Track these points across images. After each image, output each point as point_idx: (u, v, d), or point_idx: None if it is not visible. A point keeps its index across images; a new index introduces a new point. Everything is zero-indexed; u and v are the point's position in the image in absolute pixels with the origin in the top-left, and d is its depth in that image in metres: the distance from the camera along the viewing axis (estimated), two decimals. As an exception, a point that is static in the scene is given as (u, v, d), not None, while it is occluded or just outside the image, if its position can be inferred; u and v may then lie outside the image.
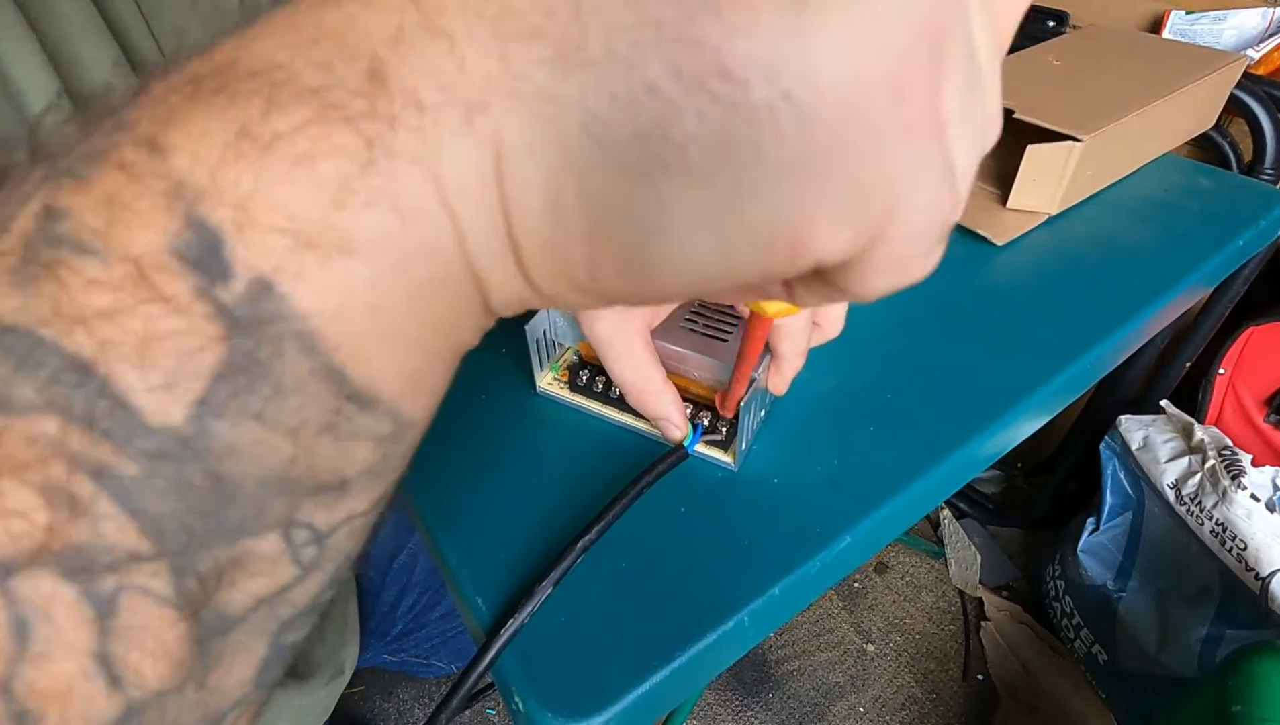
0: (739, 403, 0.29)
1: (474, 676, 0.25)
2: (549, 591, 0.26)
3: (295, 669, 0.48)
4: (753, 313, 0.23)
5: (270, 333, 0.09)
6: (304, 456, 0.10)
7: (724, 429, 0.31)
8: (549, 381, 0.35)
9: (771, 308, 0.20)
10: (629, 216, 0.09)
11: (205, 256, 0.08)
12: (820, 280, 0.12)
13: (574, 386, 0.34)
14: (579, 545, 0.27)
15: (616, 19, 0.08)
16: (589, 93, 0.09)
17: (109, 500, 0.08)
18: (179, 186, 0.08)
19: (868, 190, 0.09)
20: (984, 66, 0.10)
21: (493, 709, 0.95)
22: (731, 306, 0.32)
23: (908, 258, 0.11)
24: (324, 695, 0.56)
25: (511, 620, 0.26)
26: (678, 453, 0.30)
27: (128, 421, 0.08)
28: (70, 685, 0.08)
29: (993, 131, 0.12)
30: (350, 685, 0.61)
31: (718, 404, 0.30)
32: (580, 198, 0.09)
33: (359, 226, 0.09)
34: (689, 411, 0.31)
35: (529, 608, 0.26)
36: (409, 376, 0.10)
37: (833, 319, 0.30)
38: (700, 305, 0.32)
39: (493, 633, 0.26)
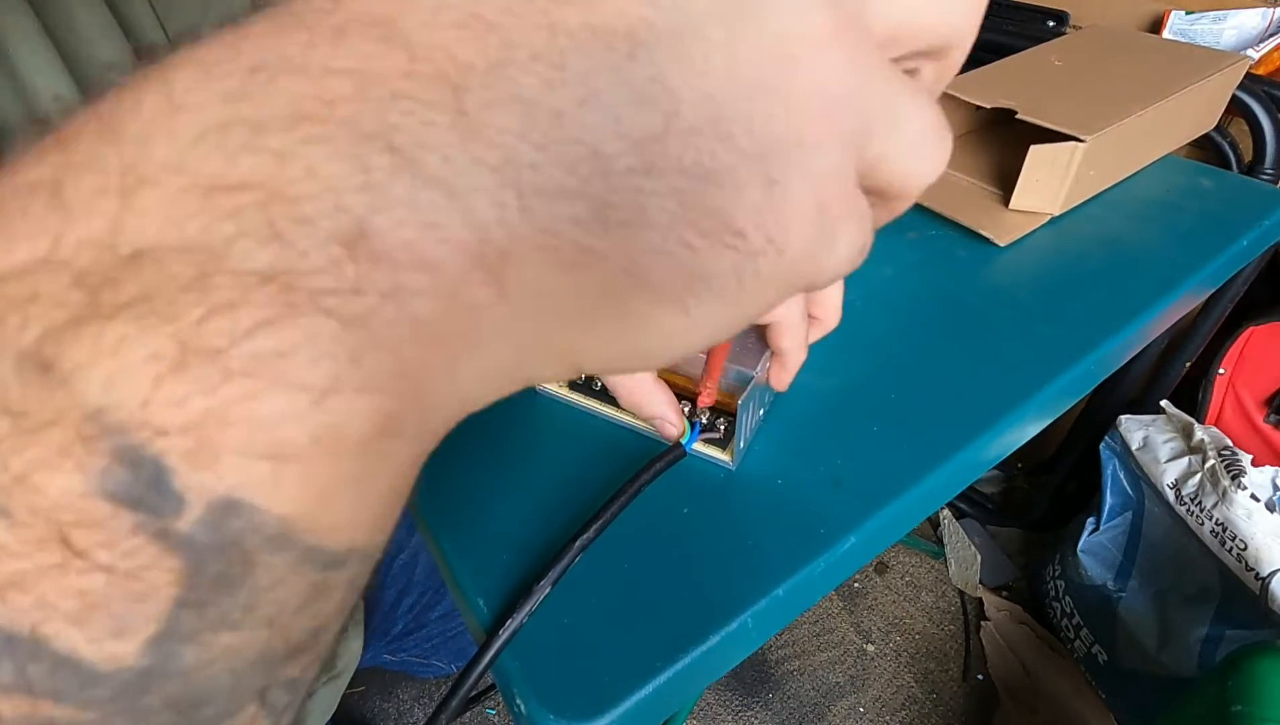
0: (714, 393, 0.29)
1: (473, 677, 0.25)
2: (546, 591, 0.26)
3: None
4: None
5: (241, 547, 0.08)
6: (281, 634, 0.09)
7: (722, 427, 0.31)
8: None
9: None
10: (648, 328, 0.11)
11: (149, 492, 0.07)
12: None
13: (573, 384, 0.34)
14: (577, 544, 0.27)
15: (644, 189, 0.09)
16: (628, 246, 0.10)
17: None
18: (96, 418, 0.07)
19: (807, 272, 0.12)
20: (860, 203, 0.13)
21: (493, 709, 0.94)
22: None
23: (805, 320, 0.15)
24: (326, 693, 0.56)
25: (510, 620, 0.25)
26: (675, 451, 0.30)
27: (75, 676, 0.07)
28: None
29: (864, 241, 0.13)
30: (350, 685, 0.61)
31: (699, 395, 0.30)
32: (611, 317, 0.10)
33: (349, 420, 0.08)
34: (686, 410, 0.31)
35: (527, 607, 0.26)
36: (383, 519, 0.10)
37: (829, 310, 0.30)
38: None
39: (491, 633, 0.26)
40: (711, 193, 0.10)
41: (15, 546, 0.07)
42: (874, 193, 0.13)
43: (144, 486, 0.07)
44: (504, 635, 0.25)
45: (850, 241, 0.12)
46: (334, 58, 0.08)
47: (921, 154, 0.13)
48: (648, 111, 0.09)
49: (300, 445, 0.08)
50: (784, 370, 0.30)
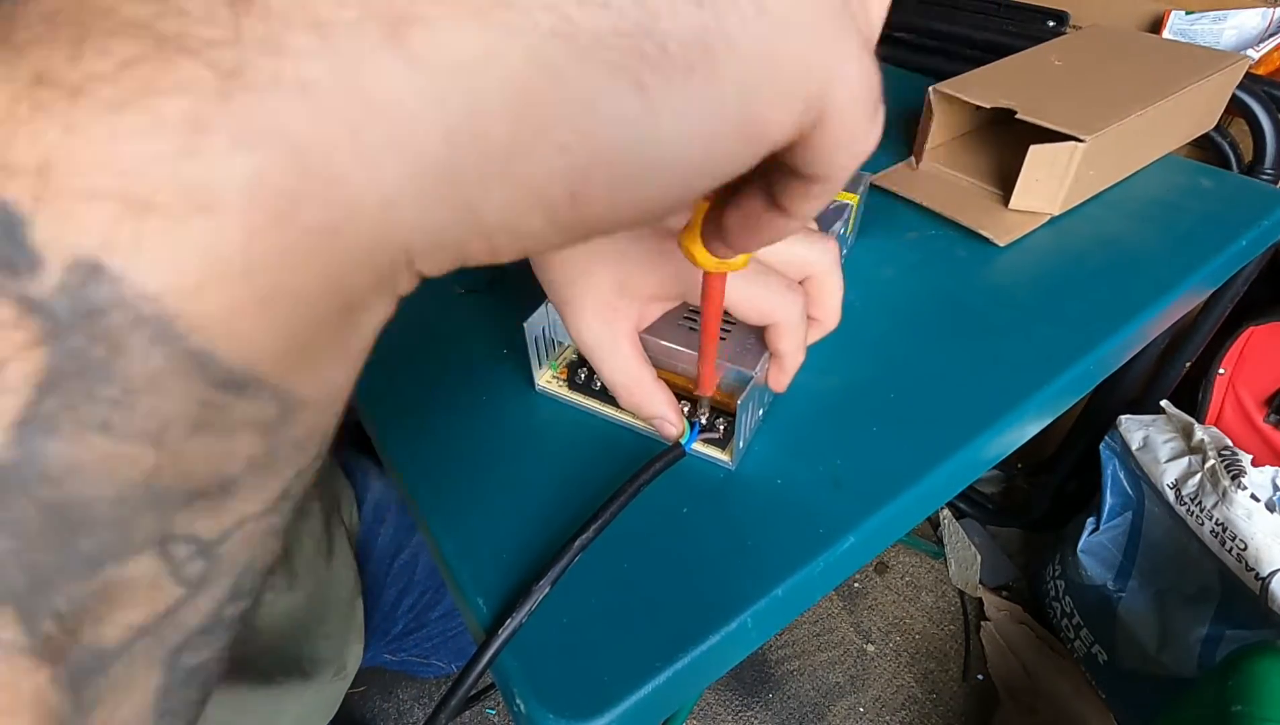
0: (711, 380, 0.29)
1: (472, 677, 0.25)
2: (546, 591, 0.26)
3: (300, 667, 0.48)
4: (705, 273, 0.23)
5: (106, 325, 0.07)
6: (171, 462, 0.08)
7: (721, 427, 0.31)
8: (548, 379, 0.35)
9: (712, 261, 0.21)
10: (616, 120, 0.09)
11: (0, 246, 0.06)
12: (792, 175, 0.13)
13: (573, 384, 0.34)
14: (576, 544, 0.27)
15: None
16: (561, 20, 0.08)
17: None
18: None
19: (809, 67, 0.10)
20: None
21: (493, 709, 0.94)
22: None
23: (854, 125, 0.12)
24: (329, 693, 0.56)
25: (509, 620, 0.26)
26: (674, 451, 0.30)
27: None
28: None
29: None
30: (351, 685, 0.61)
31: (694, 386, 0.30)
32: (560, 106, 0.08)
33: (223, 173, 0.07)
34: (686, 410, 0.31)
35: (526, 607, 0.26)
36: (296, 348, 0.09)
37: (828, 311, 0.30)
38: (696, 307, 0.32)
39: (490, 633, 0.26)
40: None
41: None
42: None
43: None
44: (503, 635, 0.25)
45: (861, 54, 0.11)
46: None
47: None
48: None
49: (165, 194, 0.07)
50: (782, 372, 0.30)
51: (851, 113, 0.12)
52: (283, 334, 0.08)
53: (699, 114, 0.09)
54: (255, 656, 0.43)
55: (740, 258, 0.21)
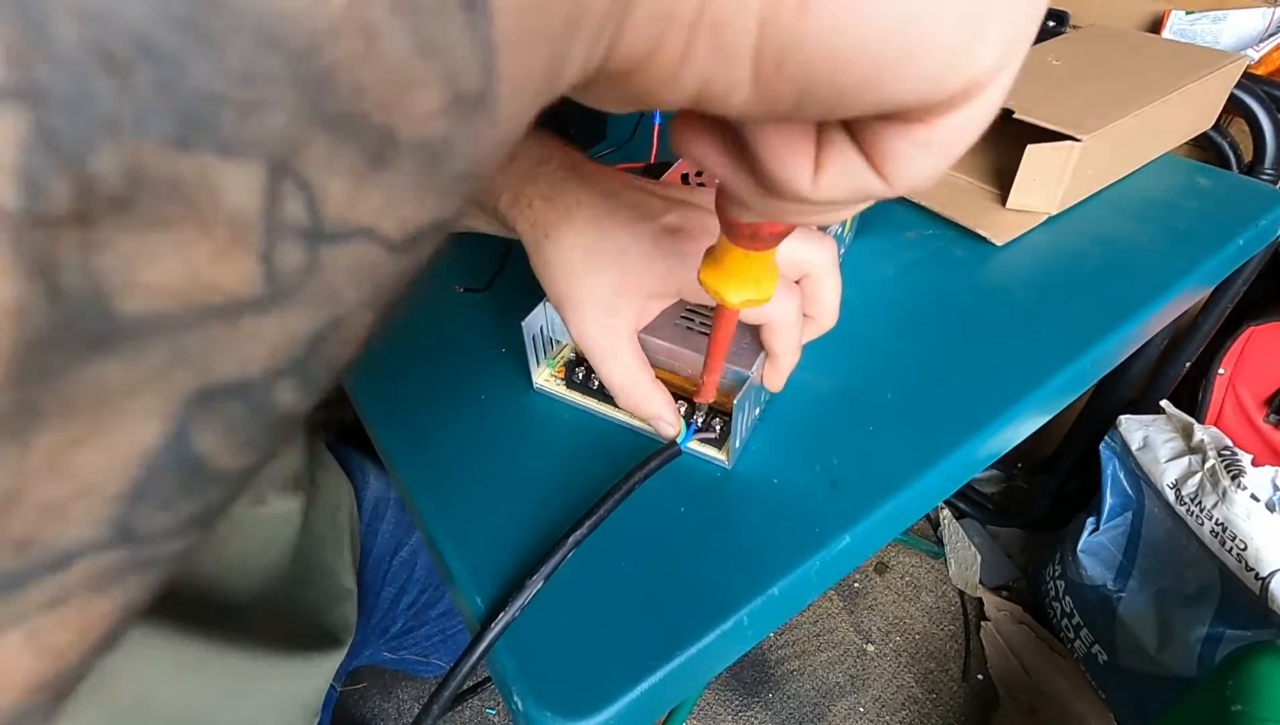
0: (714, 389, 0.29)
1: (465, 670, 0.25)
2: (540, 585, 0.27)
3: (289, 635, 0.48)
4: (718, 305, 0.23)
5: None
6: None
7: (718, 427, 0.31)
8: (545, 378, 0.36)
9: (735, 297, 0.20)
10: None
11: None
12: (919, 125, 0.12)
13: (570, 383, 0.34)
14: (570, 539, 0.27)
15: None
16: None
17: None
18: None
19: (1020, 14, 0.10)
20: None
21: (493, 709, 0.95)
22: None
23: (988, 113, 0.12)
24: (324, 664, 0.55)
25: (502, 614, 0.26)
26: (670, 449, 0.30)
27: None
28: None
29: None
30: (350, 684, 0.61)
31: (695, 393, 0.30)
32: None
33: None
34: (683, 410, 0.32)
35: (520, 601, 0.26)
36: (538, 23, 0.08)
37: (825, 311, 0.30)
38: (693, 305, 0.32)
39: (484, 626, 0.26)
40: None
41: None
42: None
43: None
44: (495, 628, 0.26)
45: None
46: None
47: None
48: None
49: None
50: (776, 372, 0.30)
51: (997, 95, 0.11)
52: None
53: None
54: (242, 621, 0.43)
55: (766, 291, 0.21)
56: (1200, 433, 0.75)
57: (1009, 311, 0.39)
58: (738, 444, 0.31)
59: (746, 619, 0.26)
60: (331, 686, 0.56)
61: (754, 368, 0.30)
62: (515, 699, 0.25)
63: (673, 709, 0.85)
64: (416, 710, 0.94)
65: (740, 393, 0.29)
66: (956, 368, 0.35)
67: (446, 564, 0.29)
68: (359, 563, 0.64)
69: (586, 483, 0.31)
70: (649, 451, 0.30)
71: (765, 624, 0.27)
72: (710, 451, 0.32)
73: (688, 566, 0.28)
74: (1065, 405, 0.38)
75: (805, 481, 0.30)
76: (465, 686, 0.71)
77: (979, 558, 1.03)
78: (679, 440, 0.30)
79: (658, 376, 0.30)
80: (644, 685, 0.25)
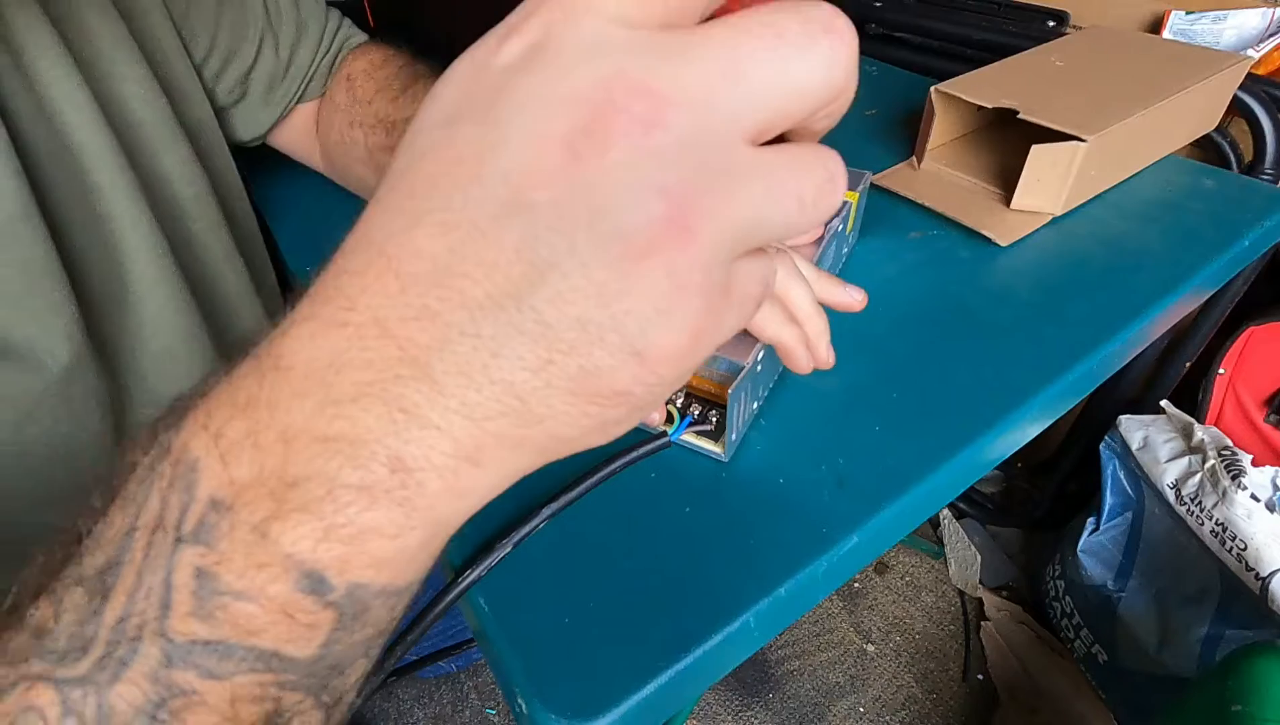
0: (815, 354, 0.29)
1: (427, 621, 0.26)
2: (508, 549, 0.28)
3: None
4: None
5: (362, 601, 0.15)
6: (378, 630, 0.16)
7: (714, 419, 0.31)
8: None
9: None
10: (583, 444, 0.16)
11: (318, 587, 0.15)
12: None
13: None
14: (544, 512, 0.28)
15: (546, 395, 0.14)
16: (546, 429, 0.15)
17: (285, 691, 0.15)
18: (290, 559, 0.14)
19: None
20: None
21: (493, 709, 0.94)
22: None
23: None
24: None
25: (470, 572, 0.27)
26: (659, 439, 0.30)
27: (289, 663, 0.15)
28: None
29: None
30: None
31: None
32: (550, 453, 0.16)
33: (411, 543, 0.15)
34: (680, 402, 0.32)
35: (488, 562, 0.27)
36: (429, 564, 0.17)
37: (804, 316, 0.29)
38: None
39: (452, 583, 0.27)
40: (594, 381, 0.14)
41: (261, 617, 0.14)
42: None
43: (315, 584, 0.15)
44: (462, 584, 0.27)
45: (738, 318, 0.16)
46: (364, 351, 0.14)
47: (798, 220, 0.15)
48: (536, 347, 0.14)
49: (388, 558, 0.15)
50: (789, 357, 0.29)
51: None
52: (426, 566, 0.16)
53: (626, 429, 0.17)
54: None
55: None
56: (1200, 433, 0.75)
57: (1014, 312, 0.39)
58: (733, 437, 0.31)
59: (752, 621, 0.26)
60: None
61: (749, 358, 0.30)
62: (519, 701, 0.25)
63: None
64: (417, 710, 0.94)
65: (735, 383, 0.29)
66: (962, 368, 0.35)
67: (444, 554, 0.29)
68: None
69: (579, 470, 0.31)
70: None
71: (771, 626, 0.27)
72: (705, 444, 0.32)
73: (693, 568, 0.28)
74: (1072, 406, 0.38)
75: (812, 481, 0.30)
76: (426, 654, 0.70)
77: (979, 558, 1.03)
78: (671, 432, 0.30)
79: None
80: (649, 688, 0.24)
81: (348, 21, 0.52)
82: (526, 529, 0.28)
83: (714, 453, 0.31)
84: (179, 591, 0.14)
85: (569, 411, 0.15)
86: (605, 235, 0.13)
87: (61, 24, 0.34)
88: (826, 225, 0.38)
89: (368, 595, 0.15)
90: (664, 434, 0.30)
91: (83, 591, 0.15)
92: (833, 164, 0.15)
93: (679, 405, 0.32)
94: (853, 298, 0.31)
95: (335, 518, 0.14)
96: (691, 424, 0.31)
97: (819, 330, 0.29)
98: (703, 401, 0.32)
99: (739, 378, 0.29)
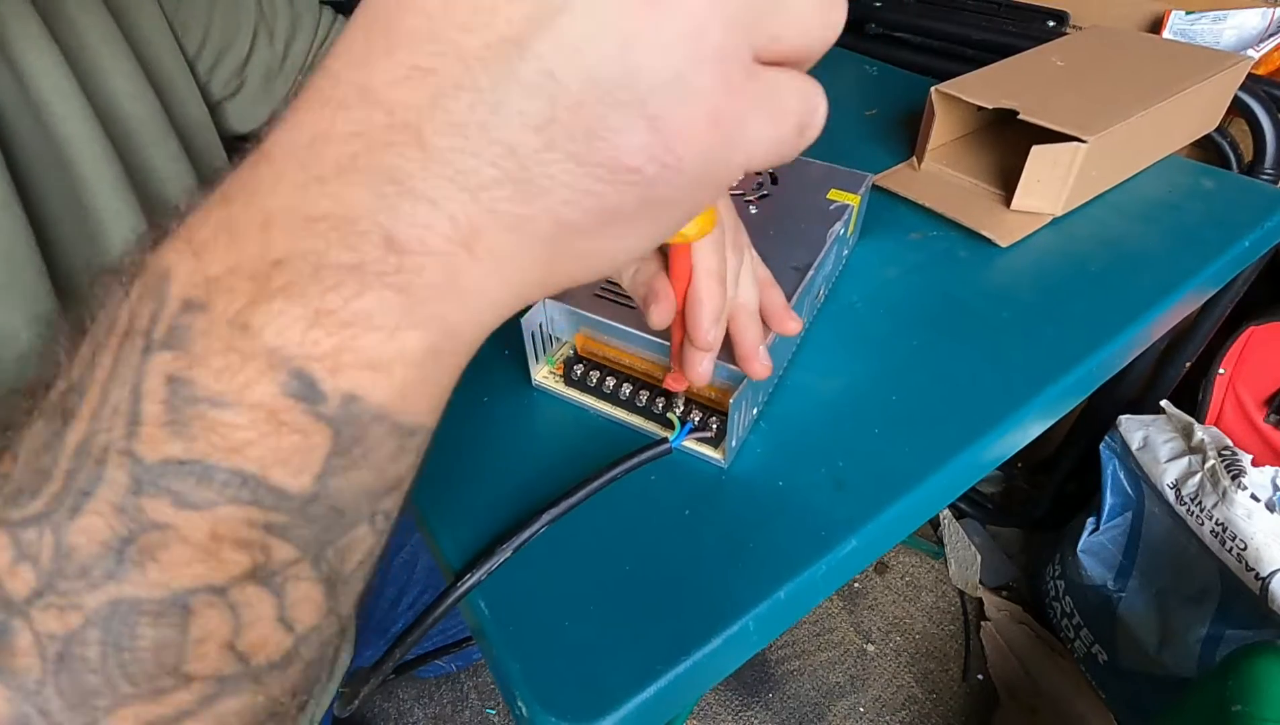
0: (686, 357, 0.27)
1: (427, 623, 0.26)
2: (507, 554, 0.27)
3: None
4: (671, 246, 0.24)
5: (359, 421, 0.13)
6: (381, 477, 0.14)
7: (714, 426, 0.31)
8: (544, 375, 0.35)
9: (691, 229, 0.21)
10: (593, 251, 0.15)
11: (308, 392, 0.13)
12: None
13: (569, 381, 0.34)
14: (544, 517, 0.28)
15: (548, 161, 0.13)
16: (548, 207, 0.13)
17: (275, 538, 0.13)
18: (274, 353, 0.12)
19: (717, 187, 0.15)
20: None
21: (493, 709, 0.94)
22: None
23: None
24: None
25: (469, 575, 0.27)
26: (660, 445, 0.30)
27: (278, 496, 0.13)
28: (266, 636, 0.14)
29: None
30: (349, 684, 0.60)
31: (667, 383, 0.30)
32: (557, 253, 0.14)
33: (411, 345, 0.13)
34: (680, 411, 0.32)
35: (488, 566, 0.27)
36: (439, 403, 0.15)
37: (770, 308, 0.30)
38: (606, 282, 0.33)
39: (452, 585, 0.27)
40: (599, 146, 0.13)
41: (244, 427, 0.12)
42: (781, 63, 0.15)
43: (305, 388, 0.13)
44: (462, 588, 0.26)
45: (762, 130, 0.15)
46: (347, 123, 0.13)
47: (813, 20, 0.14)
48: (539, 100, 0.12)
49: (384, 360, 0.13)
50: (743, 359, 0.29)
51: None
52: (434, 399, 0.15)
53: (646, 232, 0.16)
54: None
55: (711, 217, 0.22)
56: (1200, 433, 0.75)
57: (1014, 313, 0.39)
58: (734, 443, 0.31)
59: (752, 624, 0.26)
60: (332, 688, 0.55)
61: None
62: (519, 704, 0.25)
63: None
64: (417, 710, 0.94)
65: (736, 393, 0.29)
66: (962, 370, 0.35)
67: (443, 555, 0.29)
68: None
69: (581, 476, 0.31)
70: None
71: (771, 629, 0.27)
72: (706, 450, 0.32)
73: (693, 570, 0.28)
74: (1072, 407, 0.38)
75: (811, 484, 0.30)
76: (421, 654, 0.70)
77: (979, 558, 1.03)
78: (672, 439, 0.30)
79: (618, 360, 0.31)
80: (649, 691, 0.24)
81: (342, 18, 0.53)
82: (527, 533, 0.28)
83: (714, 459, 0.31)
84: (149, 401, 0.12)
85: (572, 184, 0.13)
86: None
87: (49, 17, 0.34)
88: (828, 229, 0.38)
89: (365, 414, 0.13)
90: (665, 441, 0.30)
91: (42, 423, 0.13)
92: (813, 87, 0.16)
93: (679, 412, 0.32)
94: (789, 328, 0.30)
95: (323, 301, 0.12)
96: (692, 431, 0.31)
97: (753, 340, 0.28)
98: (703, 408, 0.32)
99: (741, 386, 0.29)
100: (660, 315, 0.26)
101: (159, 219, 0.14)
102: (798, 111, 0.15)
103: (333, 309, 0.12)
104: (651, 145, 0.13)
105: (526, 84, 0.12)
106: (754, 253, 0.30)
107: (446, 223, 0.13)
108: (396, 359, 0.13)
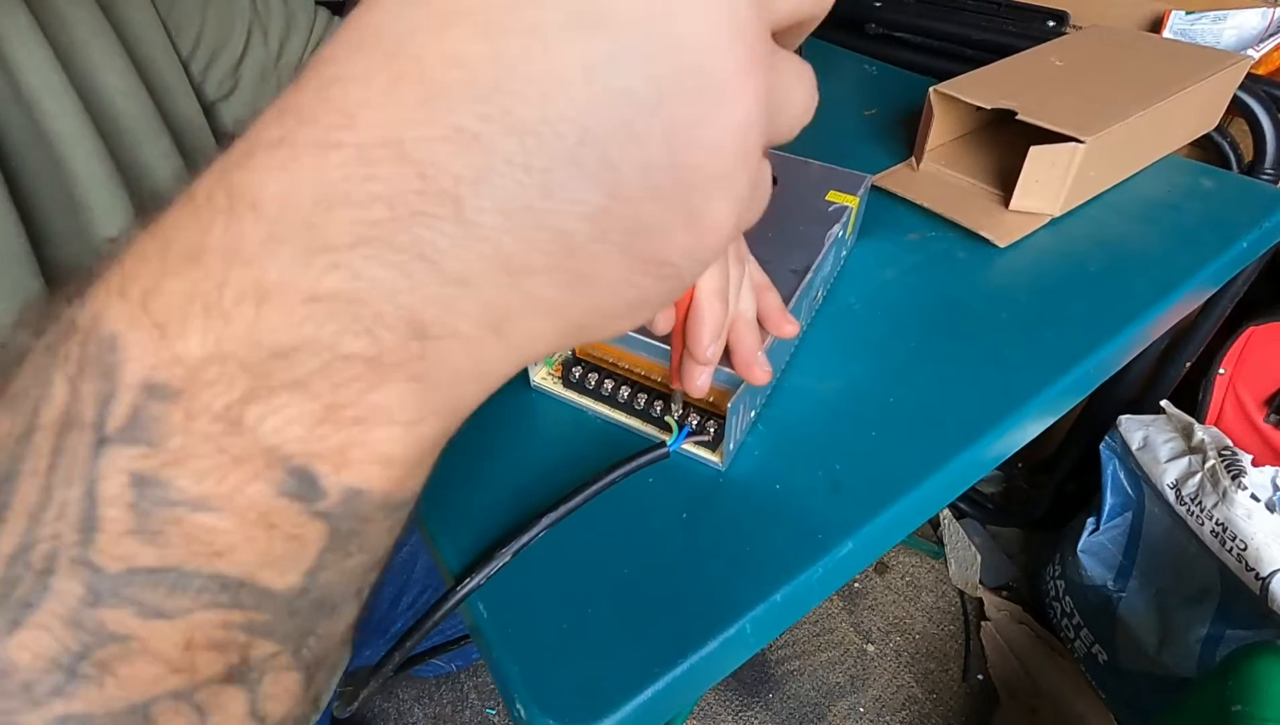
0: (685, 369, 0.27)
1: (426, 627, 0.26)
2: (506, 559, 0.27)
3: None
4: None
5: (360, 514, 0.12)
6: (374, 557, 0.14)
7: (712, 430, 0.31)
8: (543, 376, 0.36)
9: None
10: (611, 329, 0.14)
11: (307, 491, 0.11)
12: None
13: (567, 382, 0.34)
14: (543, 520, 0.28)
15: (596, 253, 0.12)
16: (589, 296, 0.13)
17: (255, 636, 0.12)
18: (272, 453, 0.11)
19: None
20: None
21: (493, 709, 0.95)
22: None
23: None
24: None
25: (468, 580, 0.27)
26: (658, 449, 0.30)
27: (262, 596, 0.12)
28: None
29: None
30: (348, 684, 0.61)
31: (674, 382, 0.30)
32: (581, 333, 0.14)
33: (426, 435, 0.13)
34: (678, 414, 0.32)
35: (487, 570, 0.27)
36: (425, 477, 0.14)
37: (765, 308, 0.29)
38: None
39: (452, 589, 0.26)
40: (647, 241, 0.12)
41: (230, 531, 0.11)
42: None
43: (304, 486, 0.11)
44: (461, 592, 0.26)
45: (755, 215, 0.15)
46: (369, 180, 0.11)
47: (804, 110, 0.15)
48: (596, 190, 0.11)
49: (397, 456, 0.12)
50: (738, 363, 0.29)
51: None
52: (428, 471, 0.14)
53: (649, 315, 0.15)
54: None
55: None
56: (1200, 433, 0.75)
57: (1012, 314, 0.39)
58: (731, 446, 0.31)
59: (749, 626, 0.26)
60: (331, 688, 0.56)
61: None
62: (518, 705, 0.25)
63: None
64: (417, 710, 0.94)
65: (734, 396, 0.29)
66: (960, 371, 0.35)
67: (443, 559, 0.29)
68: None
69: (579, 479, 0.31)
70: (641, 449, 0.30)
71: (768, 631, 0.27)
72: (704, 453, 0.32)
73: (690, 573, 0.28)
74: (1070, 408, 0.38)
75: (807, 487, 0.30)
76: (415, 654, 0.70)
77: (979, 558, 1.03)
78: (670, 443, 0.30)
79: (616, 362, 0.31)
80: (646, 693, 0.25)
81: (339, 20, 0.53)
82: (527, 537, 0.28)
83: (712, 462, 0.31)
84: (109, 506, 0.11)
85: (615, 276, 0.13)
86: (692, 68, 0.11)
87: (39, 12, 0.34)
88: (827, 231, 0.38)
89: (368, 506, 0.12)
90: (663, 444, 0.30)
91: None
92: (809, 65, 0.15)
93: (677, 415, 0.32)
94: (786, 331, 0.30)
95: (335, 396, 0.11)
96: (690, 434, 0.31)
97: (751, 347, 0.28)
98: (701, 412, 0.32)
99: (739, 389, 0.29)
100: (661, 325, 0.26)
101: (79, 272, 0.12)
102: (765, 197, 0.16)
103: (345, 404, 0.11)
104: (689, 243, 0.13)
105: (584, 170, 0.11)
106: (751, 258, 0.30)
107: (477, 305, 0.12)
108: (409, 452, 0.12)
